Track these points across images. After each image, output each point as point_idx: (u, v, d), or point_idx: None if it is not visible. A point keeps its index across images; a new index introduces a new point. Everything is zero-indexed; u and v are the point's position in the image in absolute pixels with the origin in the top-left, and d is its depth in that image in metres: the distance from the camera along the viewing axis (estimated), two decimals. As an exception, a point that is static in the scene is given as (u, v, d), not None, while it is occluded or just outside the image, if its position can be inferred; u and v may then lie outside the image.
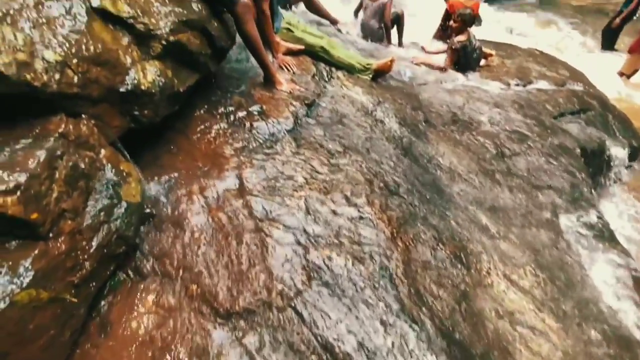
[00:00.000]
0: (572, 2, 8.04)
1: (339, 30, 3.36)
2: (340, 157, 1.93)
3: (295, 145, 1.93)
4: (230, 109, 2.04)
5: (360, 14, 3.75)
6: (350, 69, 2.70)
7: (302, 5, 3.41)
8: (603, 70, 5.13)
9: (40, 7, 1.13)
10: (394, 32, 3.69)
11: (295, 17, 2.70)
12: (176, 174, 1.67)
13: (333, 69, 2.71)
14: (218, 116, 1.99)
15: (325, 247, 1.44)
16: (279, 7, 2.61)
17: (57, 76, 1.10)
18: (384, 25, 3.47)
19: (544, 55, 4.36)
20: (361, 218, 1.58)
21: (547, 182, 2.48)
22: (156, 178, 1.63)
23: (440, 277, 1.50)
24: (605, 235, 2.26)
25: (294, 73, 2.44)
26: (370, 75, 2.74)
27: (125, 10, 1.39)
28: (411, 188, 1.89)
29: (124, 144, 1.50)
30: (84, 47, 1.20)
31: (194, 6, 1.74)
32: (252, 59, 2.24)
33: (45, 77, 1.06)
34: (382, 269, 1.41)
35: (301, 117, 2.12)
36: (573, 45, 6.37)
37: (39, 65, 1.06)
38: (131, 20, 1.41)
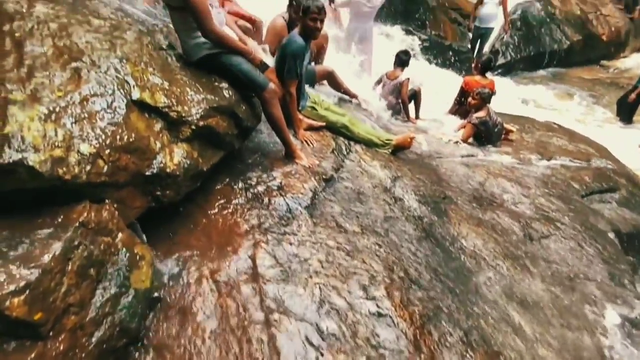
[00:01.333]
0: (584, 75, 8.30)
1: (359, 105, 3.53)
2: (358, 238, 1.86)
3: (312, 223, 1.89)
4: (251, 183, 2.07)
5: (379, 88, 3.97)
6: (370, 144, 2.76)
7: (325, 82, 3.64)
8: (625, 144, 5.05)
9: (85, 102, 1.23)
10: (411, 106, 3.85)
11: (320, 96, 2.87)
12: (189, 253, 1.63)
13: (352, 143, 2.78)
14: (238, 190, 2.01)
15: (340, 350, 1.30)
16: (305, 86, 2.79)
17: (88, 167, 1.15)
18: (401, 101, 3.63)
19: (563, 129, 4.38)
20: (380, 315, 1.45)
21: (582, 271, 2.28)
22: (169, 256, 1.60)
23: (471, 395, 1.30)
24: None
25: (314, 147, 2.51)
26: (390, 150, 2.79)
27: (162, 101, 1.49)
28: (434, 277, 1.76)
29: (143, 218, 1.51)
30: (118, 137, 1.27)
31: (225, 92, 1.87)
32: (275, 134, 2.33)
33: (76, 170, 1.11)
34: (404, 382, 1.25)
35: (319, 192, 2.12)
36: (591, 117, 6.42)
37: (73, 158, 1.11)
38: (166, 109, 1.51)
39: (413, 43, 6.44)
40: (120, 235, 1.29)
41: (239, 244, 1.70)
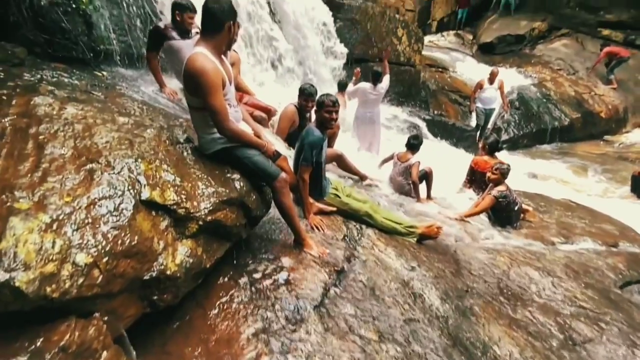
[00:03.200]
0: (591, 150, 8.41)
1: (369, 185, 3.53)
2: (375, 348, 1.62)
3: (323, 328, 1.68)
4: (256, 276, 1.92)
5: (387, 167, 4.02)
6: (394, 233, 2.65)
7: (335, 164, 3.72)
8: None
9: (92, 206, 1.20)
10: (422, 187, 3.83)
11: (341, 182, 2.88)
12: (182, 368, 1.43)
13: (363, 227, 2.67)
14: (242, 285, 1.86)
15: None
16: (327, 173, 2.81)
17: (80, 280, 1.06)
18: (412, 182, 3.63)
19: (582, 207, 4.22)
20: None
21: (644, 388, 1.91)
22: (158, 373, 1.39)
23: None
24: None
25: (324, 233, 2.41)
26: (415, 239, 2.66)
27: (171, 198, 1.47)
28: (468, 404, 1.46)
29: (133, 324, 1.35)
30: (120, 241, 1.21)
31: (236, 184, 1.86)
32: (284, 221, 2.26)
33: (67, 284, 1.02)
34: None
35: (330, 287, 1.94)
36: (604, 192, 6.28)
37: (65, 272, 1.03)
38: (174, 207, 1.47)
39: (417, 122, 6.78)
40: (105, 354, 1.13)
41: (240, 354, 1.49)
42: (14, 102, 1.68)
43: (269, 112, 3.35)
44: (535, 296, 2.46)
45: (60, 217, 1.10)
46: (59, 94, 1.93)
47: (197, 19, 2.90)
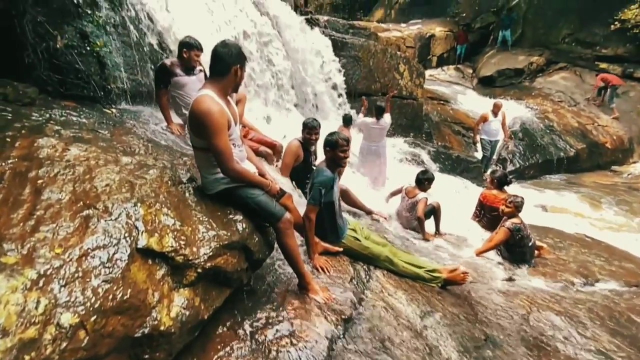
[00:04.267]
0: (599, 180, 8.27)
1: (377, 220, 3.43)
2: (387, 413, 1.45)
3: (329, 390, 1.53)
4: (257, 325, 1.79)
5: (394, 201, 3.93)
6: (417, 278, 2.52)
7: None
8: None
9: (83, 258, 1.13)
10: (431, 222, 3.72)
11: (359, 223, 2.80)
12: None
13: (371, 268, 2.54)
14: (242, 336, 1.72)
15: None
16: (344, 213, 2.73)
17: (64, 344, 0.96)
18: (417, 218, 3.53)
19: (599, 243, 4.05)
20: None
21: None
22: None
23: None
24: None
25: (330, 275, 2.29)
26: (439, 285, 2.52)
27: (169, 245, 1.40)
28: None
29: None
30: (111, 296, 1.12)
31: (239, 225, 1.79)
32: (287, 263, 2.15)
33: (48, 350, 0.92)
34: None
35: (336, 339, 1.79)
36: (622, 227, 6.06)
37: (48, 336, 0.94)
38: (172, 254, 1.39)
39: (421, 153, 6.77)
40: None
41: None
42: (17, 144, 1.66)
43: (274, 148, 3.35)
44: (560, 345, 2.26)
45: (48, 272, 1.02)
46: (65, 134, 1.92)
47: (202, 58, 3.00)
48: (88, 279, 1.10)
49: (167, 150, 2.33)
